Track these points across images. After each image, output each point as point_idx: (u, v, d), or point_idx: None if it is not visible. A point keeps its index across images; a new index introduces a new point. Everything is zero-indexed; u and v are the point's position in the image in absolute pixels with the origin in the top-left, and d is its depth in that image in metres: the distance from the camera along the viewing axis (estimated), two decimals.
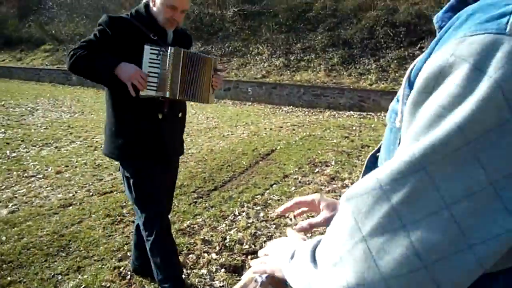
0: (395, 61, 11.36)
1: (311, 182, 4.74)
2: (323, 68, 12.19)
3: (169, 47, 2.18)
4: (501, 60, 0.41)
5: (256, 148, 6.05)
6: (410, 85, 0.53)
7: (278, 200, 4.18)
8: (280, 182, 4.68)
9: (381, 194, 0.47)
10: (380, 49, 12.01)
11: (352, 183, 4.70)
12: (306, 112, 10.53)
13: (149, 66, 2.15)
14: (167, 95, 2.18)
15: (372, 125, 8.31)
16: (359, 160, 5.78)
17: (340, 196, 4.38)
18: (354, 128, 8.04)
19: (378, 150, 0.71)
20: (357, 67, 12.02)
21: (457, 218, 0.43)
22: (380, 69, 11.51)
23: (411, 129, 0.48)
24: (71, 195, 4.31)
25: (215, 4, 15.48)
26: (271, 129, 7.66)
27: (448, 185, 0.43)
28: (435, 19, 0.59)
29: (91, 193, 4.34)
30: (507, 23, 0.42)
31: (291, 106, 11.27)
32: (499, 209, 0.42)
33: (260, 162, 5.45)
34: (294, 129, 7.71)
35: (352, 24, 13.11)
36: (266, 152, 5.89)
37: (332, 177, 4.98)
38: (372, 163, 0.74)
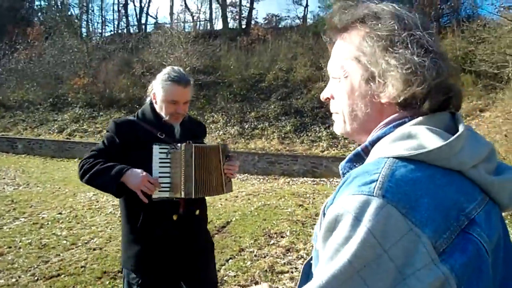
0: None
1: (267, 255, 4.74)
2: (276, 136, 12.63)
3: (179, 144, 2.07)
4: (371, 214, 0.62)
5: (211, 220, 6.01)
6: (324, 216, 0.73)
7: (235, 276, 4.13)
8: (236, 257, 4.65)
9: None
10: (330, 117, 12.64)
11: (307, 254, 4.76)
12: (261, 180, 10.69)
13: (160, 167, 2.05)
14: (182, 195, 2.03)
15: (325, 192, 8.56)
16: (313, 229, 5.88)
17: (295, 268, 4.43)
18: (308, 195, 8.24)
19: (312, 259, 0.88)
20: (309, 134, 12.57)
21: None
22: (331, 136, 12.12)
23: (323, 257, 0.68)
24: (14, 280, 4.01)
25: None
26: (226, 199, 7.68)
27: None
28: (340, 167, 0.83)
29: (36, 278, 4.07)
30: (374, 187, 0.64)
31: (246, 174, 11.41)
32: None
33: (216, 235, 5.41)
34: (249, 199, 7.78)
35: (302, 94, 13.94)
36: (221, 225, 5.87)
37: (288, 248, 5.02)
38: (308, 269, 0.90)
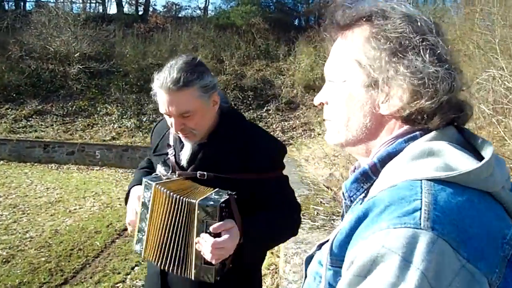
0: None
1: None
2: None
3: (151, 180, 1.41)
4: (423, 253, 0.51)
5: (110, 223, 5.47)
6: (333, 254, 0.65)
7: (143, 286, 3.76)
8: (143, 263, 4.25)
9: None
10: None
11: None
12: None
13: None
14: (134, 249, 1.48)
15: None
16: None
17: None
18: None
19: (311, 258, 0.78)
20: None
21: None
22: None
23: None
24: None
25: (56, 59, 14.29)
26: None
27: None
28: (344, 188, 0.72)
29: None
30: (420, 218, 0.53)
31: None
32: None
33: (117, 240, 4.92)
34: None
35: None
36: (123, 227, 5.34)
37: None
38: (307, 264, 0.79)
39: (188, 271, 1.34)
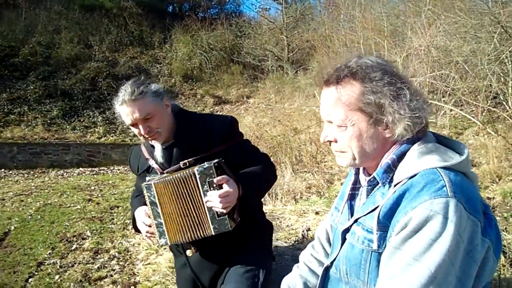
0: None
1: (75, 263, 4.03)
2: (40, 122, 10.88)
3: (148, 179, 1.71)
4: (453, 211, 0.86)
5: None
6: (379, 222, 0.96)
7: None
8: (37, 273, 3.75)
9: None
10: (105, 101, 11.81)
11: (119, 253, 4.29)
12: (26, 175, 8.99)
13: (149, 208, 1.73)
14: (160, 243, 1.70)
15: (110, 182, 7.94)
16: (114, 224, 5.36)
17: (113, 270, 3.92)
18: (92, 187, 7.48)
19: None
20: (82, 120, 11.41)
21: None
22: (107, 121, 11.30)
23: (408, 252, 0.88)
24: None
25: None
26: None
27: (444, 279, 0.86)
28: (377, 176, 1.03)
29: None
30: (447, 191, 0.87)
31: (3, 170, 9.38)
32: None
33: None
34: (22, 200, 6.41)
35: (70, 74, 12.38)
36: None
37: (95, 250, 4.40)
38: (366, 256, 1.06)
39: (208, 230, 1.59)
